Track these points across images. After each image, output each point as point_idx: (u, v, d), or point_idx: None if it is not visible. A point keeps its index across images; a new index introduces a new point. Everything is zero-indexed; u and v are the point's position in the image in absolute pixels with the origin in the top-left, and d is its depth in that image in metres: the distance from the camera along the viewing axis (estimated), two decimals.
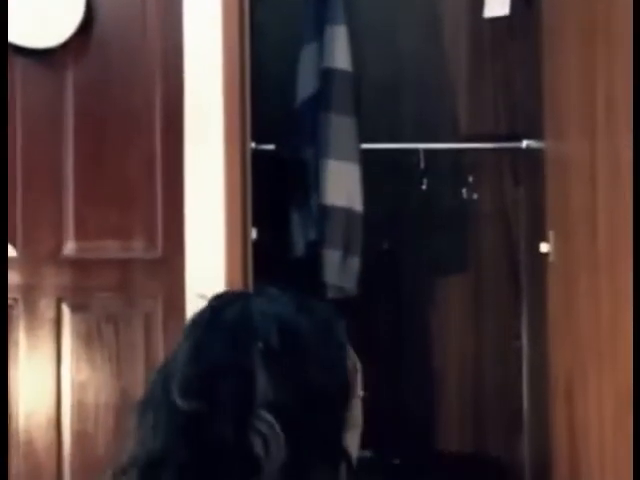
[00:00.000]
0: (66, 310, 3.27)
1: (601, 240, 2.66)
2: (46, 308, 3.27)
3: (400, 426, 3.94)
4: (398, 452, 3.74)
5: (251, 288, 3.11)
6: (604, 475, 2.65)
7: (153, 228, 3.27)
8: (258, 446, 1.10)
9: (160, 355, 3.17)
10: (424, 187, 3.88)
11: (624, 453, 2.42)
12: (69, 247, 3.29)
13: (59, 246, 3.29)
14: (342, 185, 3.64)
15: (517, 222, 4.02)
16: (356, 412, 1.23)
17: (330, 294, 3.59)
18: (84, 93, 3.29)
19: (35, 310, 3.27)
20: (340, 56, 3.67)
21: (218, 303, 1.24)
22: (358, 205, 3.65)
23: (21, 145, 3.27)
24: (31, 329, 3.26)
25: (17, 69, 3.24)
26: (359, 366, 1.26)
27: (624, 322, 2.44)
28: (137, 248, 3.29)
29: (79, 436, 3.24)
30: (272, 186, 3.72)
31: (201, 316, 1.23)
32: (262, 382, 1.13)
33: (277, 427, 1.10)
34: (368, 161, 3.70)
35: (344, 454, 1.18)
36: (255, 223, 3.35)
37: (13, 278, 3.19)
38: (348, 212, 3.64)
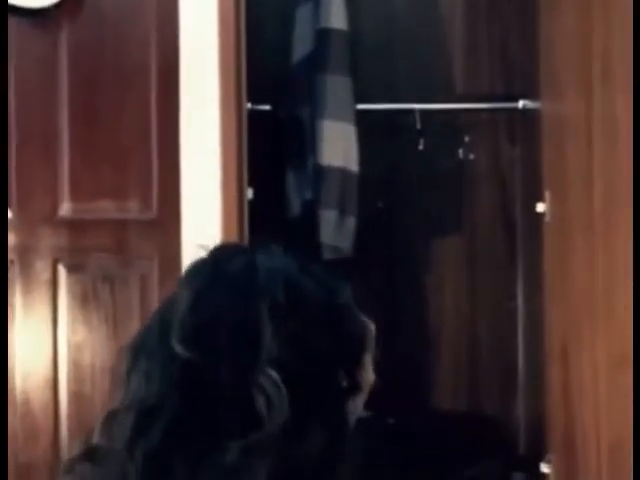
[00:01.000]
0: (62, 271, 3.27)
1: (597, 200, 2.66)
2: (42, 269, 3.27)
3: (395, 386, 3.95)
4: (393, 412, 3.75)
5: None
6: (599, 433, 2.66)
7: (148, 189, 3.27)
8: (260, 402, 1.07)
9: None
10: (421, 147, 3.87)
11: (618, 412, 2.44)
12: (64, 208, 3.29)
13: (54, 207, 3.28)
14: (338, 145, 3.63)
15: (513, 182, 4.02)
16: (366, 377, 1.19)
17: (326, 254, 3.59)
18: (78, 53, 3.27)
19: (31, 271, 3.27)
20: (336, 16, 3.64)
21: (220, 254, 1.20)
22: (354, 165, 3.64)
23: (15, 106, 3.24)
24: (27, 290, 3.26)
25: (11, 29, 3.21)
26: (372, 330, 1.22)
27: (619, 282, 2.44)
28: (132, 209, 3.29)
29: (76, 397, 3.25)
30: (268, 146, 3.71)
31: (202, 266, 1.19)
32: (267, 338, 1.09)
33: (282, 386, 1.07)
34: (364, 121, 3.70)
35: (344, 421, 1.14)
36: (251, 183, 3.35)
37: (9, 240, 3.18)
38: (344, 172, 3.63)
